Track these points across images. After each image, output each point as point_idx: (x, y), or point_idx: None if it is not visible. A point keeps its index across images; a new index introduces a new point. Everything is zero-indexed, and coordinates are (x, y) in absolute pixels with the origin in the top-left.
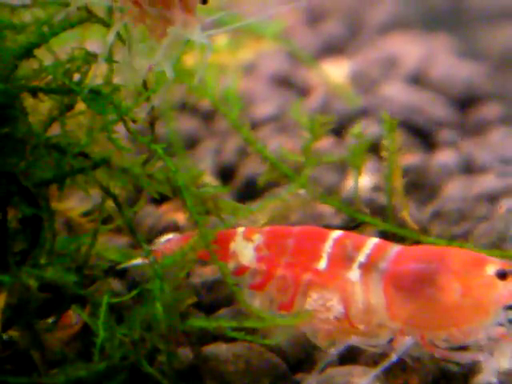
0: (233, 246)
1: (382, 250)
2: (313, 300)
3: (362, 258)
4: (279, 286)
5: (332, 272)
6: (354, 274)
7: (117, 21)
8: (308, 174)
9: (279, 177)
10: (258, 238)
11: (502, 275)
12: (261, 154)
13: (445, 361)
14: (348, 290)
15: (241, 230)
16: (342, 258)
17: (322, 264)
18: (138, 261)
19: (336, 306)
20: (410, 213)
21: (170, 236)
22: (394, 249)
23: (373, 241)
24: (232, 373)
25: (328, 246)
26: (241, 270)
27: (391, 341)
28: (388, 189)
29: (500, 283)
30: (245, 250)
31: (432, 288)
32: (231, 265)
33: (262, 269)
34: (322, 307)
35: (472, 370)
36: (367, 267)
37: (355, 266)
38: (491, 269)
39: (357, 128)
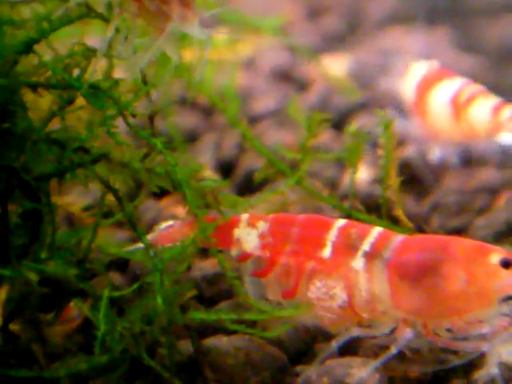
0: (237, 232)
1: (386, 239)
2: (316, 288)
3: (366, 246)
4: (282, 273)
5: (336, 260)
6: (358, 262)
7: (116, 16)
8: (305, 170)
9: (276, 173)
10: (262, 225)
11: (506, 264)
12: (258, 150)
13: (446, 350)
14: (352, 278)
15: (245, 216)
16: (347, 247)
17: (326, 252)
18: (140, 245)
19: (339, 295)
20: (408, 207)
21: (170, 222)
22: (398, 238)
23: (377, 230)
24: (232, 365)
25: (332, 235)
26: (244, 257)
27: (393, 330)
28: (383, 187)
29: (504, 272)
30: (249, 236)
31: (436, 277)
32: (235, 251)
33: (266, 256)
34: (326, 295)
35: (471, 360)
36: (371, 256)
37: (359, 254)
38: (495, 257)
39: (353, 126)
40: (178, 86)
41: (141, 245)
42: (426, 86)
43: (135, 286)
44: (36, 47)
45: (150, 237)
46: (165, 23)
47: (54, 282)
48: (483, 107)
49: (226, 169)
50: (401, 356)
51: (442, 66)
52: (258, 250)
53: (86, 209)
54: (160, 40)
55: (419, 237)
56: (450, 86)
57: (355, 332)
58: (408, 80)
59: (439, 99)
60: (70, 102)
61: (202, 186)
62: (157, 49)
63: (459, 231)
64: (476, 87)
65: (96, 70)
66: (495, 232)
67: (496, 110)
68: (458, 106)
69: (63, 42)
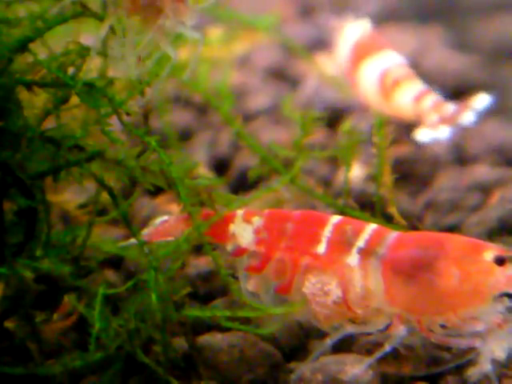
0: (232, 227)
1: (381, 235)
2: (311, 284)
3: (360, 243)
4: (277, 268)
5: (331, 256)
6: (352, 258)
7: (110, 14)
8: (299, 167)
9: (270, 171)
10: (257, 220)
11: (500, 261)
12: (252, 148)
13: (440, 347)
14: (346, 274)
15: (240, 212)
16: (341, 243)
17: (321, 248)
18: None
19: (334, 290)
20: (402, 204)
21: (166, 217)
22: (393, 234)
23: (372, 226)
24: (226, 362)
25: (327, 231)
26: (239, 252)
27: (388, 327)
28: (377, 184)
29: (498, 269)
30: (244, 232)
31: (430, 273)
32: (230, 246)
33: (261, 251)
34: (320, 291)
35: (464, 356)
36: (366, 252)
37: (354, 250)
38: (489, 254)
39: (347, 124)
40: (172, 83)
41: (135, 241)
42: (357, 55)
43: (130, 283)
44: (31, 46)
45: (145, 232)
46: (158, 18)
47: (49, 279)
48: (406, 94)
49: (220, 167)
50: (394, 353)
51: (374, 31)
52: (253, 245)
53: (81, 206)
54: (152, 32)
55: (414, 234)
56: (379, 64)
57: (349, 329)
58: (341, 44)
59: (368, 76)
60: (65, 100)
61: (197, 184)
62: (148, 41)
63: (452, 228)
64: (402, 70)
65: (91, 69)
66: (488, 229)
67: (418, 98)
68: (385, 87)
69: (58, 40)
